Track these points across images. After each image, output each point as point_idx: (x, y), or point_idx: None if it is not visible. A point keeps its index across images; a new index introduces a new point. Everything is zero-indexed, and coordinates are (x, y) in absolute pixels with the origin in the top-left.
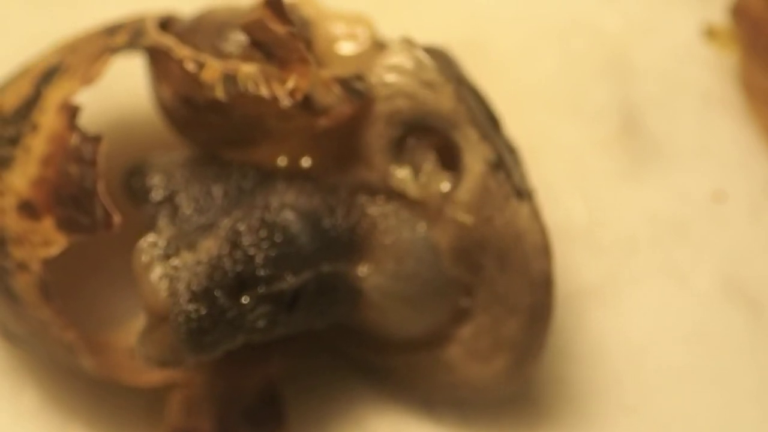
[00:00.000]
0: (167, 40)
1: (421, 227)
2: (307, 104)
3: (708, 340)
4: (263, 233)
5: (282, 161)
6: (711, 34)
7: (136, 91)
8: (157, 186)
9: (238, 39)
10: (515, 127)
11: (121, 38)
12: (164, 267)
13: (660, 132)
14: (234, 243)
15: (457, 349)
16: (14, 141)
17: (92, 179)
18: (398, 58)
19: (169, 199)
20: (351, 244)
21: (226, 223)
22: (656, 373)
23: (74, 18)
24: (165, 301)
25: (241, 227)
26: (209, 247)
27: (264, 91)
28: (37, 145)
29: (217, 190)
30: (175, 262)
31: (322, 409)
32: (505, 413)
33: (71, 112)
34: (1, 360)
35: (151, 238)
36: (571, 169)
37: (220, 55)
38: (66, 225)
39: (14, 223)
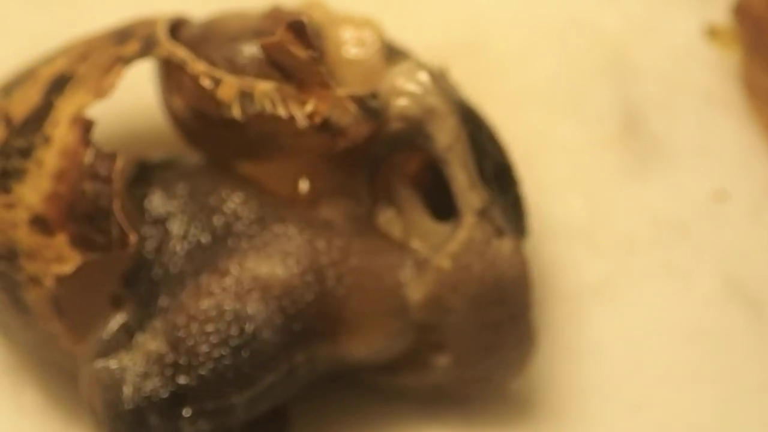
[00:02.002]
0: (181, 53)
1: (403, 276)
2: (325, 126)
3: (709, 339)
4: (220, 327)
5: (283, 184)
6: (713, 33)
7: (143, 93)
8: (155, 206)
9: (251, 51)
10: (516, 127)
11: (132, 47)
12: (104, 363)
13: (661, 131)
14: (174, 344)
15: (438, 374)
16: (26, 153)
17: (108, 198)
18: (403, 80)
19: (162, 222)
20: (332, 317)
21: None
22: (657, 372)
23: (74, 18)
24: (94, 406)
25: (189, 326)
26: (149, 347)
27: (281, 111)
28: (50, 159)
29: (206, 236)
30: (112, 363)
31: (326, 417)
32: (506, 411)
33: (85, 126)
34: (1, 358)
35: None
36: (572, 168)
37: (234, 67)
38: (80, 243)
39: (26, 237)
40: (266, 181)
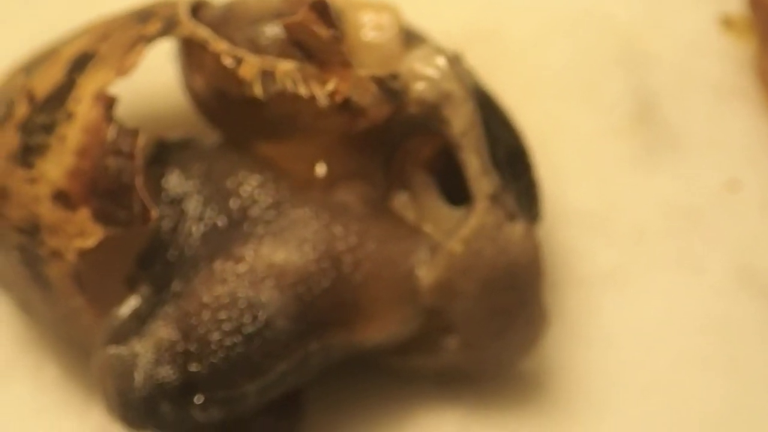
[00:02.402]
0: (203, 32)
1: (416, 261)
2: (345, 105)
3: (720, 328)
4: (233, 314)
5: (301, 166)
6: (727, 23)
7: (159, 73)
8: (172, 185)
9: (273, 32)
10: (529, 115)
11: (153, 26)
12: (116, 350)
13: (674, 121)
14: (186, 331)
15: (447, 356)
16: (48, 129)
17: (130, 173)
18: (421, 64)
19: (179, 202)
20: (347, 304)
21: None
22: (667, 360)
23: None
24: (106, 392)
25: (202, 315)
26: (160, 334)
27: (302, 90)
28: (73, 134)
29: (222, 219)
30: (124, 350)
31: (339, 398)
32: (518, 396)
33: (107, 103)
34: (21, 334)
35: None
36: (585, 157)
37: (256, 48)
38: (102, 217)
39: (49, 212)
40: (283, 162)
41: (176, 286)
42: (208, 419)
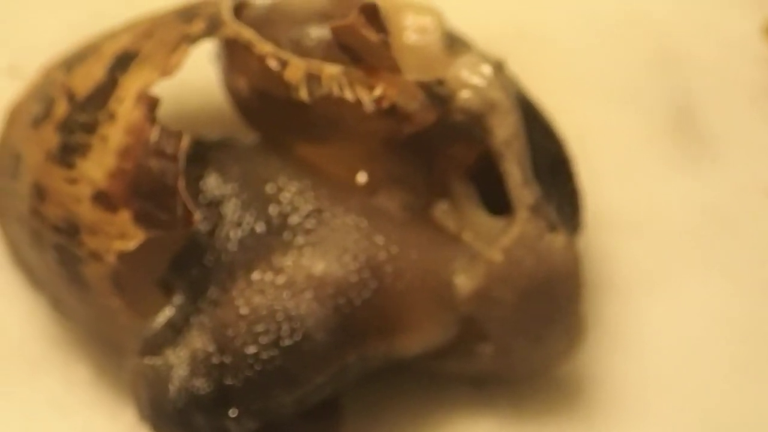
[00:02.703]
0: (247, 33)
1: (454, 268)
2: (391, 111)
3: (758, 335)
4: (270, 327)
5: (341, 171)
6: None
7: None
8: (210, 187)
9: (318, 34)
10: (568, 117)
11: (197, 26)
12: (151, 360)
13: (713, 125)
14: (222, 343)
15: (482, 361)
16: (90, 128)
17: (173, 175)
18: (467, 72)
19: (216, 205)
20: (387, 314)
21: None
22: (706, 367)
23: None
24: (139, 401)
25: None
26: (195, 345)
27: (348, 95)
28: (115, 135)
29: (260, 225)
30: (158, 360)
31: (376, 402)
32: (554, 399)
33: (150, 104)
34: (53, 333)
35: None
36: (623, 160)
37: (300, 50)
38: (144, 220)
39: (89, 213)
40: (324, 165)
41: (212, 293)
42: (242, 431)
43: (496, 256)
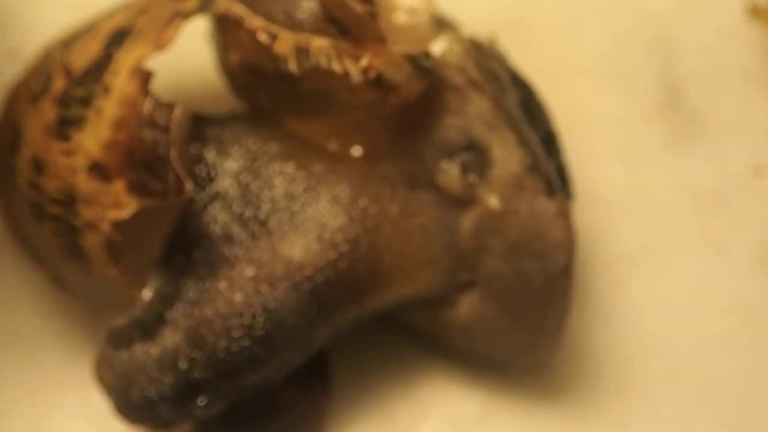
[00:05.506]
0: (239, 8)
1: (455, 221)
2: (378, 81)
3: (745, 309)
4: (245, 321)
5: (334, 144)
6: (755, 12)
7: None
8: (207, 164)
9: (309, 6)
10: (559, 99)
11: (190, 3)
12: (119, 352)
13: (702, 106)
14: (195, 341)
15: (463, 317)
16: (86, 102)
17: (166, 146)
18: (443, 50)
19: (210, 182)
20: (374, 277)
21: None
22: (693, 341)
23: None
24: (106, 390)
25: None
26: (166, 343)
27: (336, 66)
28: (109, 108)
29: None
30: (127, 353)
31: (366, 370)
32: (544, 376)
33: (144, 77)
34: (52, 307)
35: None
36: (614, 140)
37: (292, 21)
38: (137, 189)
39: (85, 184)
40: (315, 138)
41: (191, 290)
42: (210, 414)
43: (493, 201)
